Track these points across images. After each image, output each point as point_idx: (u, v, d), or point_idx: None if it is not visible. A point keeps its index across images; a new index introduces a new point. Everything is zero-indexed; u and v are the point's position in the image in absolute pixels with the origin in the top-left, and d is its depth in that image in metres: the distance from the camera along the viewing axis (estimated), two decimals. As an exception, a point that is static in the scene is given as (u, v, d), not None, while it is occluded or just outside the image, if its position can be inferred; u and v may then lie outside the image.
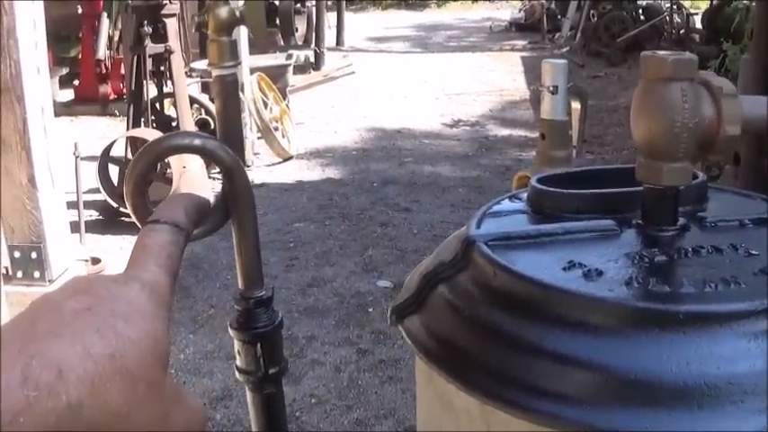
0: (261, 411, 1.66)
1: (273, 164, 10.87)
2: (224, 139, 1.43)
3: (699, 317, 1.16)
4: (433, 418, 1.42)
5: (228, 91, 1.46)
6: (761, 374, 1.14)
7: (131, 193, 1.30)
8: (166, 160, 7.90)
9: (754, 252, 1.40)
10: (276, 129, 10.92)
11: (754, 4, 13.65)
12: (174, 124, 9.16)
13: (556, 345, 1.19)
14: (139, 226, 1.17)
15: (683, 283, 1.28)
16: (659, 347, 1.15)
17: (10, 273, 5.37)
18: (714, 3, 18.68)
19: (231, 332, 1.60)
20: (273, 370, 1.64)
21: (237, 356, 1.62)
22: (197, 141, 1.29)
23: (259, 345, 1.59)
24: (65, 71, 14.38)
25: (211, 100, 10.09)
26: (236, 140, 1.41)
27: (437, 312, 1.37)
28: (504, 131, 12.66)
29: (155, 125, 8.97)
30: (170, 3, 8.81)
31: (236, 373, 1.65)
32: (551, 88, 2.54)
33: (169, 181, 7.82)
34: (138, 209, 1.31)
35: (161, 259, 0.93)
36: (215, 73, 1.45)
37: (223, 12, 1.40)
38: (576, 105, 2.65)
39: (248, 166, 10.17)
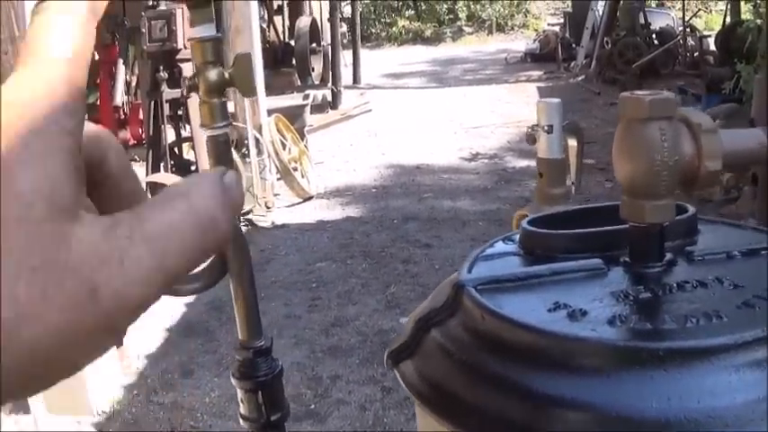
0: (265, 458, 1.70)
1: (294, 204, 10.93)
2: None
3: (679, 353, 1.19)
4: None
5: (221, 150, 1.50)
6: (742, 407, 1.16)
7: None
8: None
9: (739, 284, 1.42)
10: (295, 169, 10.98)
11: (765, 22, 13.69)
12: (193, 168, 9.23)
13: (541, 386, 1.22)
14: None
15: (665, 319, 1.31)
16: (640, 384, 1.17)
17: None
18: (727, 23, 18.71)
19: (233, 381, 1.64)
20: (275, 416, 1.68)
21: (240, 404, 1.67)
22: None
23: (260, 393, 1.63)
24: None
25: (231, 143, 10.17)
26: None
27: (430, 357, 1.40)
28: (523, 163, 12.70)
29: (174, 169, 9.05)
30: (184, 48, 8.89)
31: (240, 420, 1.70)
32: (546, 127, 2.58)
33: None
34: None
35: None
36: (207, 134, 1.49)
37: (212, 74, 1.44)
38: (572, 143, 2.68)
39: (269, 208, 10.25)
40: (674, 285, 1.42)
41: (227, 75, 1.45)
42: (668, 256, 1.51)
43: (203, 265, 1.24)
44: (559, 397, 1.19)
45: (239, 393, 1.65)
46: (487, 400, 1.26)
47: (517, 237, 1.65)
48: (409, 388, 1.40)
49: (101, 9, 0.71)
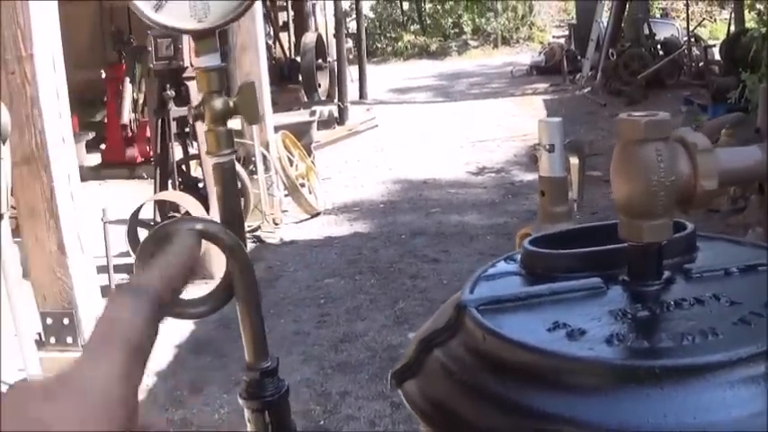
0: (273, 476, 1.72)
1: (302, 220, 10.94)
2: (225, 222, 1.50)
3: (674, 370, 1.22)
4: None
5: (227, 177, 1.53)
6: (737, 422, 1.19)
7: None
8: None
9: (736, 301, 1.45)
10: (303, 185, 11.00)
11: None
12: (200, 185, 9.25)
13: (541, 405, 1.24)
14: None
15: (662, 337, 1.34)
16: (637, 402, 1.20)
17: (43, 339, 5.44)
18: (731, 32, 18.71)
19: (240, 401, 1.67)
20: (282, 436, 1.70)
21: (248, 424, 1.69)
22: (199, 226, 1.36)
23: (267, 412, 1.65)
24: (91, 135, 14.51)
25: (238, 160, 10.18)
26: (236, 223, 1.48)
27: (432, 376, 1.43)
28: (530, 176, 12.68)
29: (182, 187, 9.08)
30: (191, 66, 8.90)
31: (247, 441, 1.72)
32: (548, 146, 2.60)
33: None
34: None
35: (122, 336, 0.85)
36: (213, 161, 1.53)
37: (218, 103, 1.47)
38: (574, 161, 2.71)
39: (277, 224, 10.27)
40: (672, 303, 1.45)
41: (231, 103, 1.48)
42: (666, 273, 1.53)
43: (210, 289, 1.27)
44: (559, 415, 1.22)
45: (246, 413, 1.68)
46: (488, 420, 1.28)
47: (519, 256, 1.68)
48: (413, 407, 1.43)
49: (168, 297, 0.93)
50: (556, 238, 1.69)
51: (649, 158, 1.41)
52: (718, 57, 19.13)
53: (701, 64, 19.96)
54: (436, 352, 1.45)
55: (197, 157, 9.32)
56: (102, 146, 14.52)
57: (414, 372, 1.47)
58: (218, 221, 1.49)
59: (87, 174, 12.58)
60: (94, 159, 14.46)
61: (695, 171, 1.46)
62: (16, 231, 5.33)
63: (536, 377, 1.27)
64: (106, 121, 14.75)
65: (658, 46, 21.09)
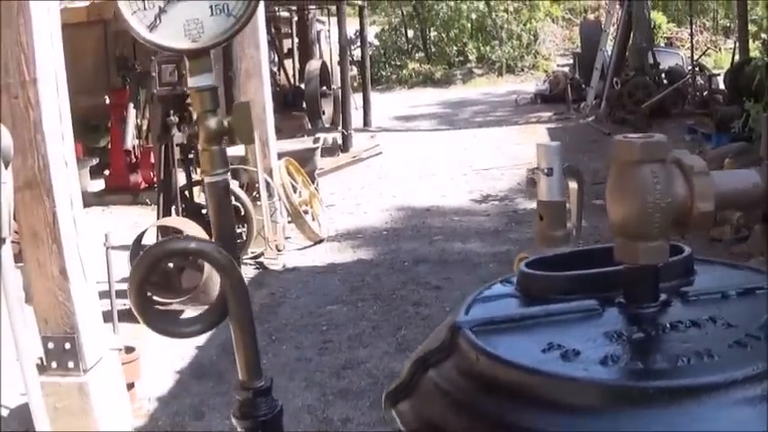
0: (265, 495, 1.72)
1: (305, 247, 10.93)
2: (219, 241, 1.50)
3: (668, 391, 1.21)
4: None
5: (221, 196, 1.53)
6: (732, 443, 1.18)
7: (135, 296, 1.37)
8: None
9: (733, 324, 1.44)
10: (306, 212, 11.01)
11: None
12: (204, 212, 9.25)
13: (534, 425, 1.24)
14: (141, 321, 1.24)
15: (657, 359, 1.33)
16: (631, 423, 1.19)
17: (44, 363, 5.43)
18: (735, 62, 18.71)
19: (234, 421, 1.66)
20: (275, 455, 1.70)
21: (243, 444, 1.68)
22: (193, 245, 1.36)
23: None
24: (95, 161, 14.51)
25: (242, 186, 10.21)
26: (230, 242, 1.47)
27: (426, 397, 1.42)
28: (533, 204, 12.56)
29: (185, 213, 9.07)
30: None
31: (243, 459, 1.71)
32: (546, 170, 2.60)
33: (201, 268, 7.89)
34: (143, 311, 1.38)
35: None
36: (207, 180, 1.53)
37: (212, 123, 1.47)
38: (572, 185, 2.70)
39: (280, 251, 10.26)
40: (668, 325, 1.44)
41: (225, 123, 1.48)
42: (663, 296, 1.53)
43: (205, 309, 1.27)
44: (550, 435, 1.22)
45: (240, 433, 1.67)
46: (481, 440, 1.28)
47: (515, 279, 1.67)
48: (407, 428, 1.42)
49: None
50: (552, 261, 1.68)
51: (645, 180, 1.41)
52: (722, 86, 19.14)
53: (705, 93, 19.97)
54: (430, 373, 1.45)
55: (200, 183, 9.31)
56: (106, 172, 14.52)
57: (408, 392, 1.47)
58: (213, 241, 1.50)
59: (91, 199, 12.59)
60: (98, 185, 14.47)
61: (691, 193, 1.46)
62: (19, 256, 5.33)
63: (530, 397, 1.27)
64: (110, 146, 14.76)
65: (663, 75, 21.11)
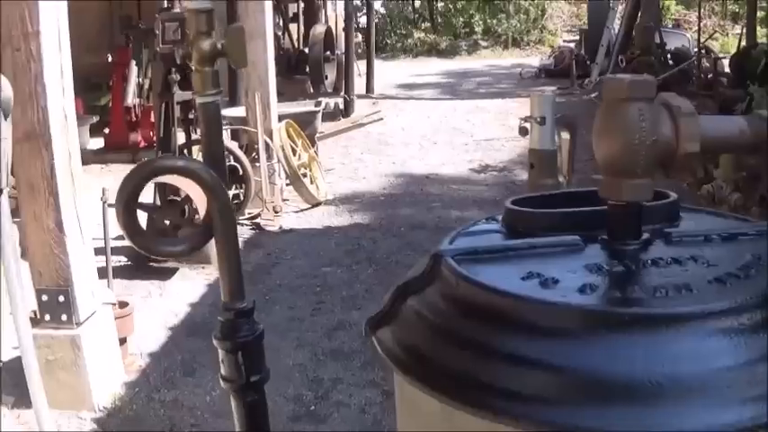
0: (244, 419, 1.73)
1: (302, 210, 10.91)
2: (207, 161, 1.50)
3: (645, 319, 1.22)
4: (405, 424, 1.49)
5: (211, 117, 1.54)
6: (707, 374, 1.19)
7: (123, 213, 1.38)
8: (194, 206, 8.00)
9: (713, 263, 1.45)
10: (305, 175, 10.98)
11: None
12: (202, 171, 9.25)
13: (510, 347, 1.25)
14: (128, 240, 1.25)
15: (635, 290, 1.34)
16: (606, 348, 1.21)
17: (38, 316, 5.43)
18: (741, 46, 18.66)
19: (215, 342, 1.67)
20: (255, 378, 1.70)
21: (221, 365, 1.69)
22: (180, 163, 1.38)
23: (240, 353, 1.65)
24: (95, 119, 14.44)
25: (241, 147, 10.20)
26: (219, 164, 1.48)
27: (407, 323, 1.43)
28: (533, 176, 12.60)
29: (183, 172, 9.07)
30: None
31: (221, 381, 1.72)
32: (539, 119, 2.60)
33: (197, 226, 7.89)
34: (129, 227, 1.39)
35: None
36: (198, 101, 1.53)
37: (205, 44, 1.47)
38: (565, 136, 2.70)
39: (277, 213, 10.25)
40: (649, 261, 1.45)
41: (219, 45, 1.49)
42: (646, 235, 1.54)
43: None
44: (527, 358, 1.23)
45: (220, 354, 1.68)
46: (460, 363, 1.29)
47: (500, 217, 1.68)
48: (386, 353, 1.43)
49: None
50: (538, 200, 1.69)
51: (632, 117, 1.42)
52: (727, 69, 19.08)
53: (710, 75, 19.89)
54: (411, 300, 1.46)
55: (199, 142, 9.27)
56: (106, 130, 14.46)
57: (388, 319, 1.48)
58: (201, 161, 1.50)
59: (90, 157, 12.57)
60: (98, 143, 14.42)
61: (677, 133, 1.47)
62: (16, 211, 5.34)
63: (508, 322, 1.28)
64: (111, 105, 14.71)
65: (668, 55, 21.04)
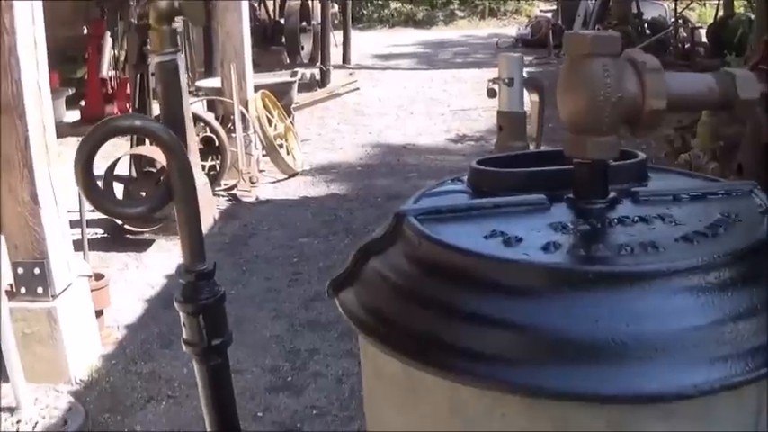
0: (207, 382, 1.72)
1: (278, 180, 10.85)
2: (166, 121, 1.48)
3: (609, 276, 1.21)
4: (369, 387, 1.47)
5: (169, 76, 1.52)
6: (672, 333, 1.18)
7: (81, 174, 1.35)
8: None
9: (680, 222, 1.44)
10: (281, 146, 10.92)
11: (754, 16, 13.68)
12: (177, 142, 9.19)
13: (473, 307, 1.23)
14: (86, 201, 1.22)
15: (600, 248, 1.32)
16: (570, 307, 1.19)
17: (14, 289, 5.41)
18: (719, 16, 18.68)
19: (176, 305, 1.65)
20: (217, 341, 1.69)
21: (183, 329, 1.67)
22: (138, 122, 1.35)
23: (201, 316, 1.63)
24: (71, 92, 14.35)
25: (217, 118, 10.16)
26: (179, 123, 1.46)
27: (369, 284, 1.41)
28: (510, 145, 12.56)
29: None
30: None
31: (183, 346, 1.70)
32: (507, 80, 2.58)
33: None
34: (89, 190, 1.36)
35: None
36: (156, 59, 1.52)
37: (163, 3, 1.45)
38: (534, 98, 2.68)
39: (253, 183, 10.20)
40: (615, 220, 1.44)
41: (176, 4, 1.46)
42: (612, 194, 1.52)
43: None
44: (490, 317, 1.21)
45: (182, 317, 1.66)
46: (422, 323, 1.27)
47: (465, 178, 1.66)
48: (348, 315, 1.42)
49: None
50: (504, 161, 1.67)
51: (595, 73, 1.40)
52: (704, 39, 19.08)
53: (687, 45, 19.90)
54: (373, 261, 1.44)
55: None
56: (82, 102, 14.37)
57: (351, 281, 1.46)
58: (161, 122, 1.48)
59: (66, 130, 12.45)
60: (74, 116, 14.31)
61: (643, 90, 1.45)
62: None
63: (470, 280, 1.26)
64: (86, 77, 14.61)
65: (645, 25, 21.02)
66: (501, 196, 1.53)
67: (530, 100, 2.61)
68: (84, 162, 1.33)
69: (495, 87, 2.62)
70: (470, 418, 1.25)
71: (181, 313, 1.66)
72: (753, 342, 1.21)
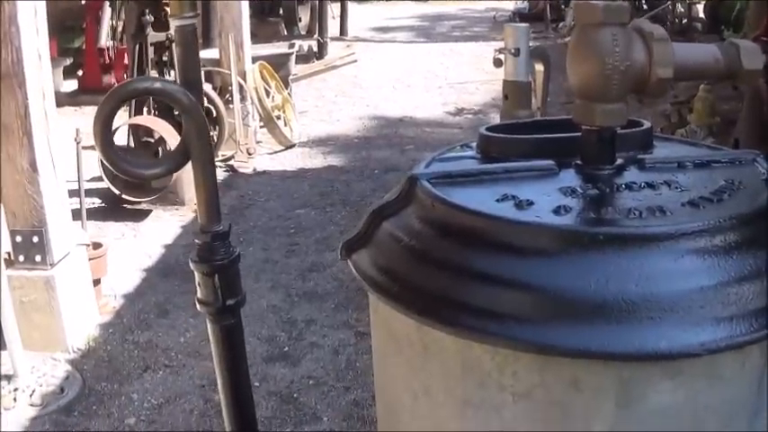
0: (221, 342, 1.75)
1: (276, 152, 10.83)
2: (184, 84, 1.50)
3: (618, 238, 1.24)
4: (381, 347, 1.50)
5: (188, 40, 1.54)
6: (679, 294, 1.21)
7: (100, 132, 1.38)
8: (168, 147, 7.95)
9: (686, 188, 1.47)
10: (278, 117, 10.92)
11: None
12: (176, 112, 9.19)
13: (485, 267, 1.26)
14: (105, 163, 1.25)
15: (609, 211, 1.35)
16: (580, 266, 1.22)
17: (12, 257, 5.42)
18: (717, -9, 18.65)
19: (192, 265, 1.67)
20: (231, 301, 1.72)
21: (198, 288, 1.70)
22: (158, 85, 1.38)
23: (217, 276, 1.66)
24: (69, 61, 14.31)
25: (215, 89, 10.16)
26: (196, 86, 1.48)
27: (382, 245, 1.44)
28: (507, 119, 12.55)
29: (156, 113, 9.00)
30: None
31: (197, 305, 1.72)
32: (513, 50, 2.60)
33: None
34: (107, 149, 1.39)
35: None
36: (175, 23, 1.53)
37: (180, -33, 1.47)
38: (539, 67, 2.71)
39: (250, 154, 10.20)
40: (623, 185, 1.47)
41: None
42: (619, 161, 1.55)
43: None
44: (501, 277, 1.24)
45: (197, 277, 1.68)
46: (434, 282, 1.30)
47: (475, 144, 1.69)
48: (361, 275, 1.45)
49: None
50: (514, 127, 1.70)
51: (605, 42, 1.42)
52: (702, 15, 19.05)
53: (684, 21, 19.88)
54: (386, 223, 1.47)
55: (173, 83, 9.21)
56: (80, 72, 14.34)
57: (364, 242, 1.49)
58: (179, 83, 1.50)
59: (64, 99, 12.45)
60: (72, 86, 14.28)
61: (650, 58, 1.47)
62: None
63: (482, 242, 1.29)
64: (84, 47, 14.57)
65: (642, 1, 21.01)
66: (510, 162, 1.55)
67: (535, 70, 2.64)
68: (102, 122, 1.36)
69: (502, 57, 2.64)
70: (482, 376, 1.28)
71: (196, 273, 1.68)
72: (757, 303, 1.24)
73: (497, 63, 2.83)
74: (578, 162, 1.55)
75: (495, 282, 1.24)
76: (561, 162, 1.55)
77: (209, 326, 1.75)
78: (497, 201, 1.39)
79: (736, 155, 1.65)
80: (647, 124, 1.67)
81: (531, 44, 2.59)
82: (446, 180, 1.46)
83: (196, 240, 1.67)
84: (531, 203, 1.38)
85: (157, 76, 8.99)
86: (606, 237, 1.23)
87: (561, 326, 1.19)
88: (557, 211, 1.35)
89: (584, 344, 1.17)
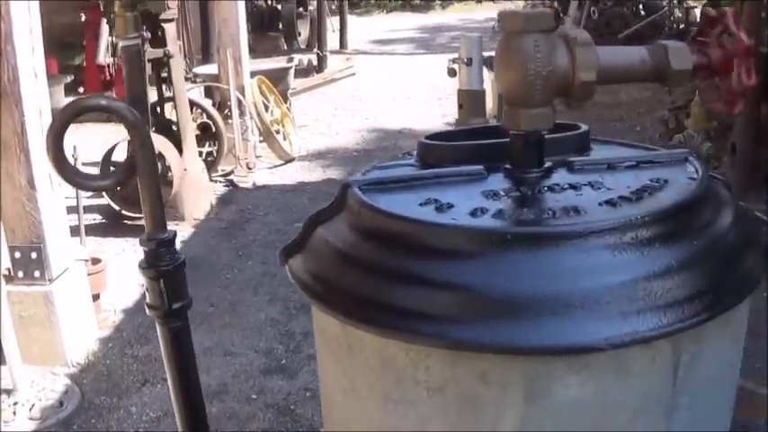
0: (169, 344, 1.82)
1: (275, 166, 10.89)
2: (130, 101, 1.57)
3: (527, 237, 1.29)
4: (318, 347, 1.57)
5: (132, 59, 1.61)
6: (587, 290, 1.26)
7: (51, 147, 1.46)
8: (167, 164, 8.00)
9: (609, 188, 1.52)
10: (278, 131, 10.96)
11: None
12: (174, 128, 9.22)
13: (401, 267, 1.32)
14: (58, 175, 1.32)
15: (524, 212, 1.41)
16: (491, 266, 1.27)
17: (11, 273, 5.47)
18: (713, -5, 18.67)
19: (139, 271, 1.75)
20: (177, 305, 1.79)
21: (147, 294, 1.77)
22: (104, 102, 1.45)
23: (162, 281, 1.73)
24: (70, 79, 14.37)
25: (214, 105, 10.22)
26: (141, 103, 1.56)
27: (315, 250, 1.50)
28: (506, 129, 12.51)
29: (156, 129, 9.04)
30: (168, 8, 8.80)
31: (146, 310, 1.80)
32: (466, 60, 2.66)
33: (170, 184, 7.90)
34: (59, 164, 1.46)
35: None
36: (121, 44, 1.61)
37: (124, -9, 1.54)
38: (493, 76, 2.76)
39: (250, 169, 10.25)
40: (545, 187, 1.52)
41: (138, -7, 1.55)
42: (548, 164, 1.60)
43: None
44: (418, 277, 1.30)
45: (145, 283, 1.76)
46: (359, 285, 1.36)
47: (415, 152, 1.75)
48: (294, 279, 1.51)
49: None
50: (454, 135, 1.75)
51: (527, 49, 1.48)
52: (699, 19, 19.06)
53: (681, 26, 19.89)
54: (320, 229, 1.53)
55: (172, 99, 9.25)
56: (81, 89, 14.42)
57: (300, 248, 1.55)
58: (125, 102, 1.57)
59: (65, 116, 12.54)
60: (73, 103, 14.32)
61: (573, 63, 1.52)
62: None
63: (400, 244, 1.35)
64: (84, 64, 14.64)
65: (640, 6, 21.01)
66: (442, 168, 1.61)
67: (490, 79, 2.70)
68: (54, 138, 1.44)
69: (455, 67, 2.70)
70: (398, 372, 1.33)
71: (144, 278, 1.76)
72: (666, 299, 1.28)
73: (451, 73, 2.89)
74: (508, 166, 1.59)
75: (411, 281, 1.29)
76: (492, 167, 1.60)
77: (158, 329, 1.82)
78: (420, 205, 1.45)
79: (668, 155, 1.69)
80: (583, 128, 1.72)
81: (484, 54, 2.65)
82: (377, 186, 1.52)
83: (143, 247, 1.74)
84: (450, 206, 1.43)
85: (156, 91, 9.04)
86: (514, 236, 1.28)
87: (471, 322, 1.24)
88: (473, 213, 1.40)
89: (491, 339, 1.22)
